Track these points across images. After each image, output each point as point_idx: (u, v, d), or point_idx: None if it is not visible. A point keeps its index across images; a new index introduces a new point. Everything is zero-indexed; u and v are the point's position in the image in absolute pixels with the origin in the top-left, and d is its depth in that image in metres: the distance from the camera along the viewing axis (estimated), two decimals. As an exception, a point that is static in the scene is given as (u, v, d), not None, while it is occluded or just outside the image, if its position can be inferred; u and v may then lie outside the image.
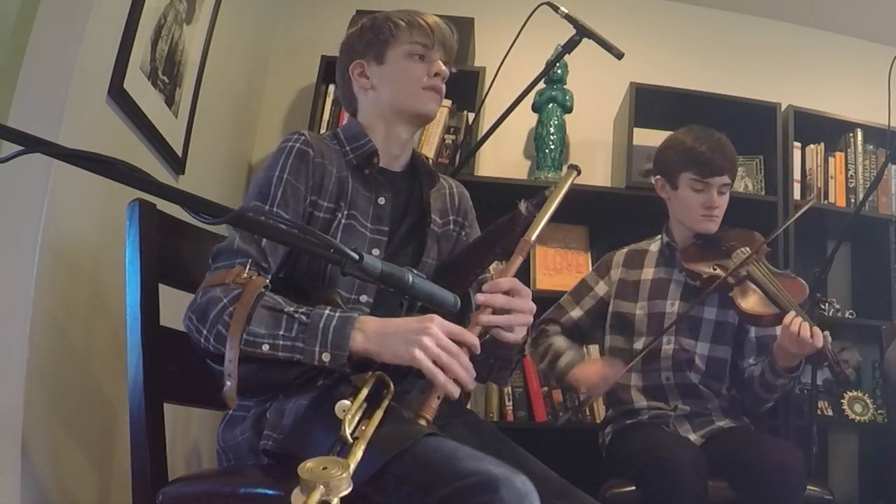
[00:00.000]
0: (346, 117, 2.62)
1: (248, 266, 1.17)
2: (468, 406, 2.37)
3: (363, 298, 1.30)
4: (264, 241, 1.21)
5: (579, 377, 1.89)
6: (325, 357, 1.10)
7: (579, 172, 1.39)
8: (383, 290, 1.28)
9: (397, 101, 1.38)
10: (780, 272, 1.94)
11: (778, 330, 1.84)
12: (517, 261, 1.25)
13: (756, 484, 1.65)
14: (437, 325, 1.09)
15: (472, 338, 1.13)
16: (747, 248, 1.93)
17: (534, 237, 1.26)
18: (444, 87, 1.41)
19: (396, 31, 1.37)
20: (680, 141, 2.00)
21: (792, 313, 1.75)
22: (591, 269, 2.68)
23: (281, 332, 1.11)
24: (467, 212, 1.53)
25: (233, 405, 1.11)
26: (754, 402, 1.94)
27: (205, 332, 1.13)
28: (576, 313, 2.08)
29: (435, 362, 1.07)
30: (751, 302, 1.86)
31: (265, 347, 1.10)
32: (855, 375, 1.78)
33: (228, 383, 1.07)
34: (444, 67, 1.39)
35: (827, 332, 1.75)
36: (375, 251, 1.33)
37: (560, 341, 2.02)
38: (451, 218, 1.49)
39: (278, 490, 1.12)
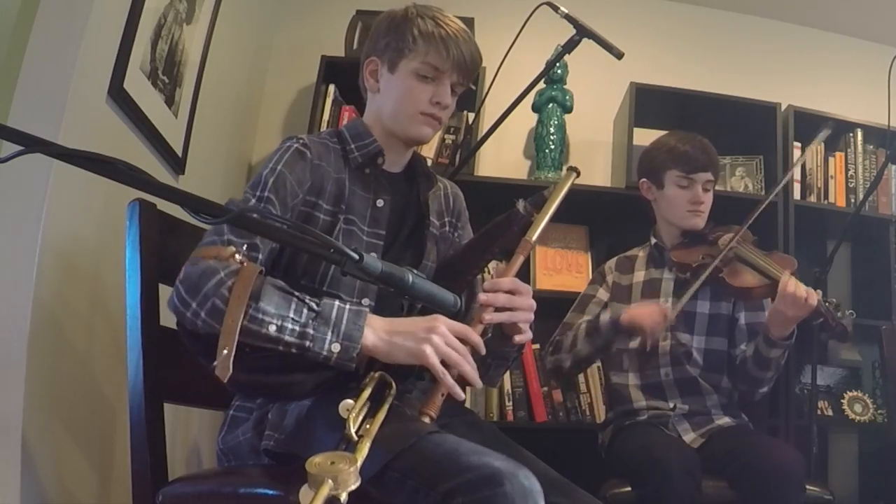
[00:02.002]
0: (345, 118, 2.64)
1: (243, 247, 1.11)
2: (468, 406, 2.37)
3: (365, 302, 1.30)
4: None
5: (635, 316, 1.83)
6: (335, 347, 1.06)
7: (578, 174, 1.39)
8: (384, 294, 1.28)
9: (393, 118, 1.36)
10: (768, 252, 1.98)
11: (766, 315, 1.89)
12: (518, 261, 1.25)
13: (756, 487, 1.65)
14: (444, 325, 1.10)
15: (476, 337, 1.13)
16: (732, 234, 1.98)
17: (534, 238, 1.26)
18: (444, 116, 1.37)
19: (414, 44, 1.33)
20: (663, 143, 2.09)
21: (786, 275, 1.79)
22: (590, 269, 2.71)
23: (290, 315, 1.06)
24: (461, 212, 1.53)
25: (225, 377, 0.96)
26: (749, 385, 1.94)
27: (194, 305, 1.06)
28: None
29: (443, 361, 1.07)
30: (741, 278, 1.90)
31: (272, 328, 1.04)
32: (851, 327, 1.80)
33: (224, 352, 0.97)
34: (447, 98, 1.35)
35: (819, 291, 1.79)
36: (372, 255, 1.32)
37: (586, 321, 2.00)
38: (446, 219, 1.49)
39: (278, 490, 1.13)
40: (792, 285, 1.76)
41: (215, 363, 0.96)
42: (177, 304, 1.09)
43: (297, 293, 1.10)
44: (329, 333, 1.07)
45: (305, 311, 1.07)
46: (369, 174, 1.36)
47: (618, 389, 2.01)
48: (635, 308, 1.89)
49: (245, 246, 1.13)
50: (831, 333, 1.83)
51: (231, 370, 0.96)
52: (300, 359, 1.08)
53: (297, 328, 1.06)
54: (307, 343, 1.06)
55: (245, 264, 1.07)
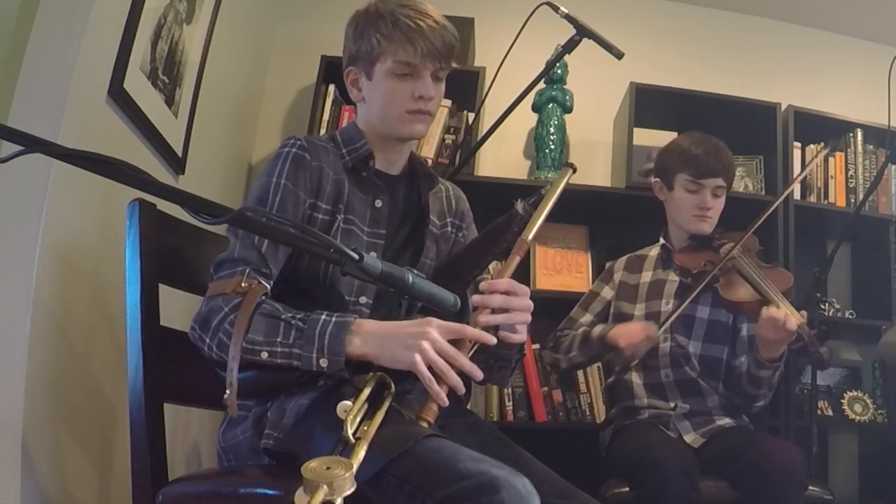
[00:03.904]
0: (346, 118, 2.64)
1: (247, 274, 1.17)
2: (468, 406, 2.37)
3: (363, 300, 1.30)
4: (264, 246, 1.21)
5: (619, 335, 1.87)
6: (323, 362, 1.10)
7: (575, 171, 1.38)
8: (383, 292, 1.28)
9: (382, 122, 1.36)
10: (768, 265, 1.98)
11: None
12: (515, 260, 1.24)
13: (758, 485, 1.65)
14: (435, 329, 1.09)
15: (473, 332, 1.13)
16: (733, 243, 1.97)
17: (531, 236, 1.26)
18: (432, 107, 1.35)
19: (380, 47, 1.31)
20: (677, 144, 2.08)
21: (774, 300, 1.79)
22: (590, 269, 2.71)
23: (278, 339, 1.12)
24: (464, 214, 1.53)
25: (233, 412, 1.11)
26: (744, 400, 1.94)
27: (208, 340, 1.15)
28: (586, 319, 2.10)
29: (432, 368, 1.06)
30: (733, 291, 1.90)
31: (263, 355, 1.11)
32: (829, 356, 1.80)
33: (228, 391, 1.07)
34: (428, 90, 1.32)
35: (804, 312, 1.79)
36: (372, 254, 1.32)
37: (582, 329, 2.04)
38: (448, 220, 1.49)
39: (278, 490, 1.13)
40: (772, 310, 1.75)
41: (224, 398, 1.07)
42: (195, 338, 1.18)
43: (285, 315, 1.13)
44: (314, 351, 1.11)
45: (293, 332, 1.12)
46: (366, 177, 1.36)
47: (622, 385, 2.01)
48: (621, 327, 1.91)
49: (248, 272, 1.18)
50: (809, 360, 1.83)
51: (235, 407, 1.09)
52: None
53: (285, 350, 1.12)
54: (294, 362, 1.12)
55: (252, 287, 1.15)
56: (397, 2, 1.33)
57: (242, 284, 1.15)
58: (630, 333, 1.87)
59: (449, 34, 1.33)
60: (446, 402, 1.07)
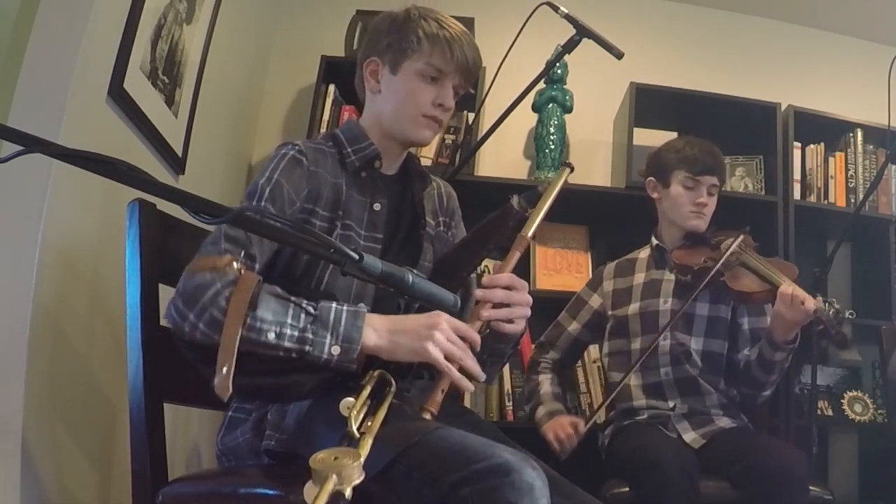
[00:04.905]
0: (345, 118, 2.64)
1: (240, 256, 1.13)
2: (468, 406, 2.37)
3: (361, 306, 1.29)
4: None
5: (549, 430, 1.95)
6: (335, 350, 1.07)
7: (572, 170, 1.40)
8: (381, 298, 1.28)
9: (394, 120, 1.36)
10: (770, 259, 2.00)
11: (769, 320, 1.90)
12: (515, 256, 1.25)
13: (760, 488, 1.66)
14: (445, 321, 1.11)
15: (474, 335, 1.14)
16: (734, 238, 2.00)
17: (530, 233, 1.27)
18: (445, 118, 1.37)
19: (418, 45, 1.32)
20: (673, 145, 2.14)
21: (787, 281, 1.83)
22: (590, 269, 2.71)
23: (288, 321, 1.07)
24: (454, 211, 1.53)
25: (225, 396, 0.96)
26: (752, 388, 1.95)
27: (191, 317, 1.05)
28: (573, 328, 2.16)
29: (447, 357, 1.08)
30: (743, 282, 1.93)
31: (270, 336, 1.05)
32: (851, 335, 1.81)
33: (224, 370, 0.96)
34: (450, 101, 1.35)
35: (819, 297, 1.81)
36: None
37: (545, 386, 2.10)
38: (441, 219, 1.49)
39: (278, 490, 1.12)
40: (790, 289, 1.79)
41: (215, 382, 0.96)
42: (174, 317, 1.08)
43: (294, 298, 1.10)
44: (328, 336, 1.08)
45: (303, 315, 1.08)
46: (366, 177, 1.36)
47: (620, 389, 2.01)
48: (553, 423, 1.96)
49: (242, 254, 1.14)
50: (830, 340, 1.84)
51: (231, 389, 0.95)
52: (298, 361, 1.09)
53: (295, 333, 1.07)
54: (307, 347, 1.07)
55: (243, 272, 1.07)
56: (438, 13, 1.37)
57: (234, 265, 1.08)
58: (555, 428, 1.93)
59: (478, 57, 1.38)
60: (471, 387, 1.09)
